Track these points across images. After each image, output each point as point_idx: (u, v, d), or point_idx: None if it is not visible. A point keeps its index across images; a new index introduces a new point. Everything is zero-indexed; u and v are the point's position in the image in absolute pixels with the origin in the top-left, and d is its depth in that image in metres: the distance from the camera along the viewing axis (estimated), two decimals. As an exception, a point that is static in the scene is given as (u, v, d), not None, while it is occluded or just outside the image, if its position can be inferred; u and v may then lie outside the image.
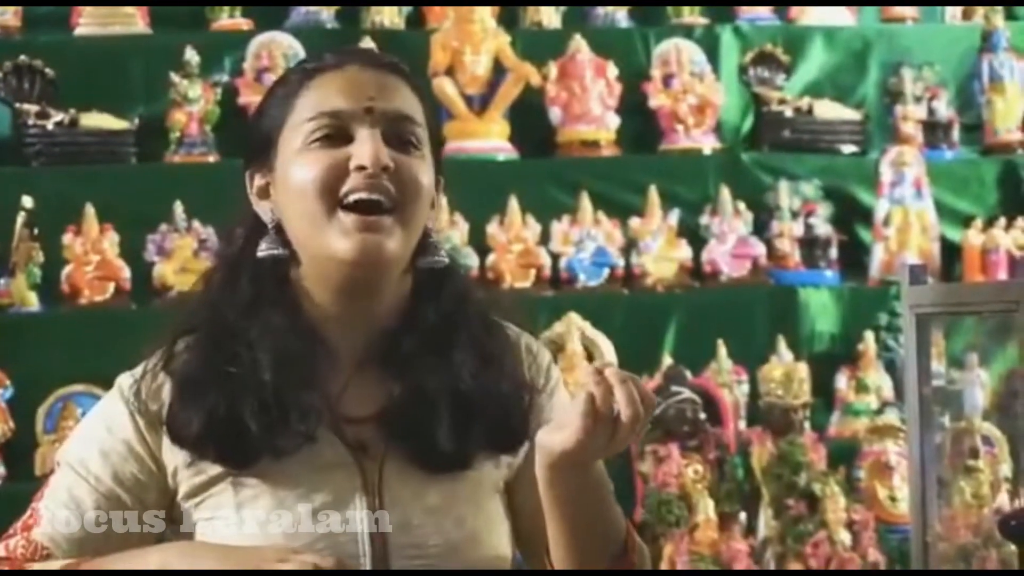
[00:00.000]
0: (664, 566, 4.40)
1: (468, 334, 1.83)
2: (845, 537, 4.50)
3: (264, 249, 1.81)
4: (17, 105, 5.23)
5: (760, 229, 5.29)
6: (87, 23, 5.53)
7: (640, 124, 5.53)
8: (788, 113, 5.59)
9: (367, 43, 5.15)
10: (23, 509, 1.82)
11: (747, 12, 5.85)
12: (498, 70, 5.44)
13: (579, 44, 5.47)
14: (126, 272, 4.91)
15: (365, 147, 1.75)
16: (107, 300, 4.89)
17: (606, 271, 5.16)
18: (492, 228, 5.10)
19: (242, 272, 1.82)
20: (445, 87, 5.29)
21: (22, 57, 5.29)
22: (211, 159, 5.23)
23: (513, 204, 5.13)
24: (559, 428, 1.70)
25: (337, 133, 1.77)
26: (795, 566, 4.46)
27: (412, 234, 1.78)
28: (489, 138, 5.36)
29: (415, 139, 1.80)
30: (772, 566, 4.50)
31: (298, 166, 1.77)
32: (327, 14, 5.65)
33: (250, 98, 5.24)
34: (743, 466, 4.63)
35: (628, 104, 5.49)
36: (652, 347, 4.94)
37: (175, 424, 1.77)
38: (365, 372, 1.81)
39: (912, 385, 2.75)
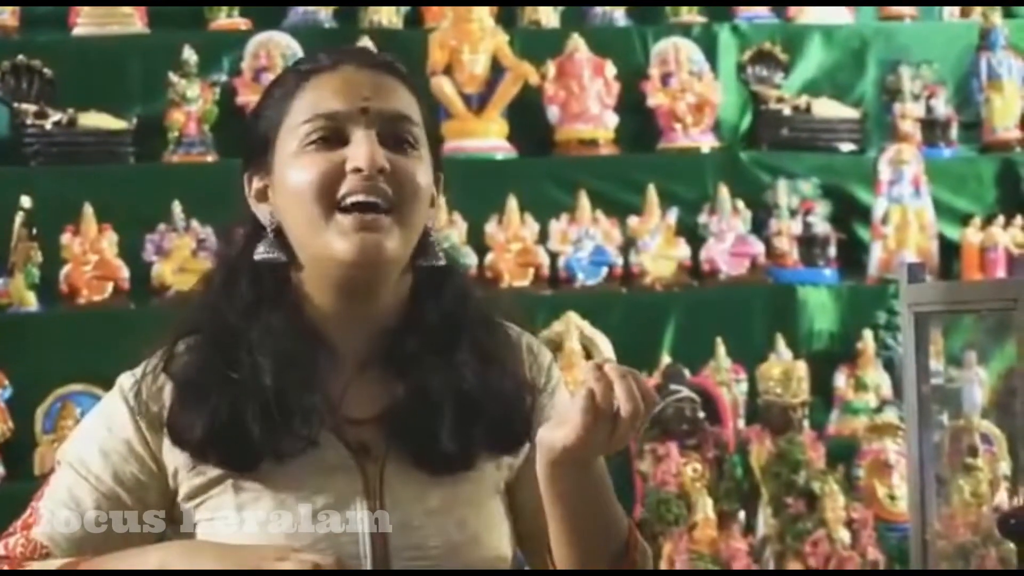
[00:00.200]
0: (663, 565, 4.40)
1: (469, 334, 1.83)
2: (844, 535, 4.50)
3: (262, 253, 1.80)
4: (15, 105, 5.23)
5: (759, 228, 5.29)
6: (85, 23, 5.53)
7: (638, 123, 5.53)
8: (786, 111, 5.59)
9: (365, 42, 5.15)
10: (22, 509, 1.81)
11: (745, 11, 5.85)
12: (496, 69, 5.44)
13: (577, 43, 5.47)
14: (124, 272, 4.91)
15: (361, 149, 1.75)
16: (106, 300, 4.89)
17: (604, 270, 5.16)
18: (490, 227, 5.11)
19: (242, 274, 1.82)
20: (443, 86, 5.29)
21: (20, 57, 5.29)
22: (209, 159, 5.23)
23: (511, 203, 5.13)
24: (560, 424, 1.70)
25: (333, 135, 1.77)
26: (794, 565, 4.46)
27: (411, 233, 1.78)
28: (487, 137, 5.36)
29: (411, 138, 1.79)
30: (771, 565, 4.50)
31: (295, 169, 1.77)
32: (325, 14, 5.65)
33: (248, 98, 5.24)
34: (742, 465, 4.63)
35: (626, 103, 5.49)
36: (651, 346, 4.94)
37: (176, 427, 1.77)
38: (367, 373, 1.81)
39: (911, 383, 2.74)
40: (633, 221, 5.19)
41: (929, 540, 2.60)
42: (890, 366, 4.99)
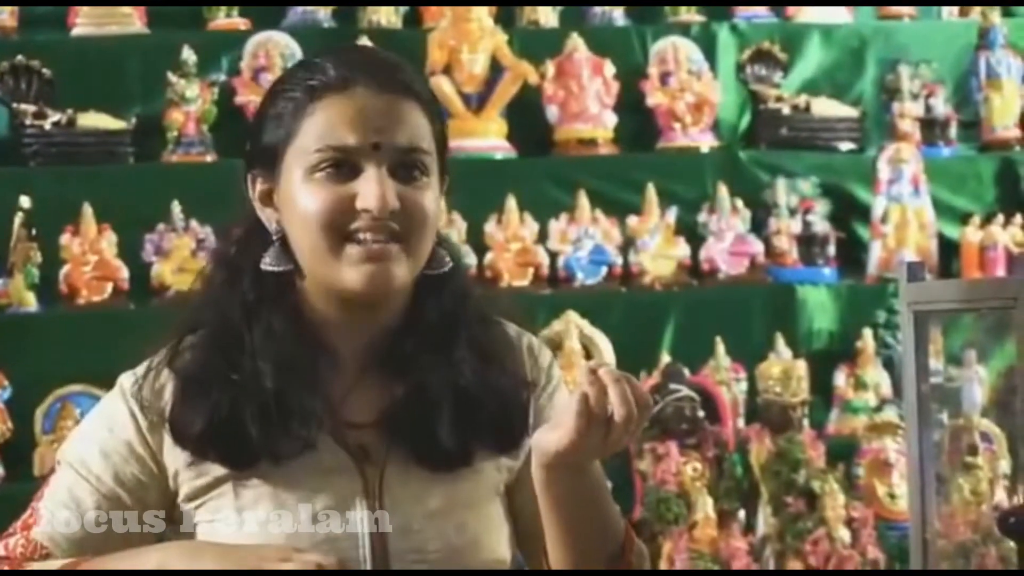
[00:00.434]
0: (663, 564, 4.40)
1: (468, 332, 1.83)
2: (844, 534, 4.50)
3: (269, 264, 1.79)
4: (14, 105, 5.23)
5: (758, 227, 5.29)
6: (84, 23, 5.53)
7: (637, 122, 5.53)
8: (785, 111, 5.59)
9: (364, 42, 5.15)
10: (22, 509, 1.81)
11: (744, 10, 5.85)
12: (495, 69, 5.44)
13: (576, 43, 5.47)
14: (124, 272, 4.91)
15: (371, 189, 1.72)
16: (105, 300, 4.89)
17: (604, 269, 5.16)
18: (490, 227, 5.11)
19: (245, 274, 1.81)
20: (442, 86, 5.28)
21: (19, 57, 5.29)
22: (208, 159, 5.23)
23: (511, 203, 5.14)
24: (554, 428, 1.70)
25: (344, 165, 1.74)
26: (794, 564, 4.46)
27: (419, 260, 1.78)
28: (487, 137, 5.36)
29: (422, 166, 1.77)
30: (771, 564, 4.50)
31: (303, 195, 1.75)
32: (324, 13, 5.65)
33: (247, 97, 5.25)
34: (742, 464, 4.63)
35: (625, 102, 5.49)
36: (650, 345, 4.94)
37: (178, 423, 1.76)
38: (368, 376, 1.81)
39: (910, 382, 2.74)
40: (632, 220, 5.20)
41: (929, 539, 2.60)
42: (890, 365, 4.99)
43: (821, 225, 5.32)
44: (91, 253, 4.88)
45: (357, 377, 1.81)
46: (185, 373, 1.78)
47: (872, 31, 5.87)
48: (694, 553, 4.43)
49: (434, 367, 1.79)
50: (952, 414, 4.54)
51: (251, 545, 1.70)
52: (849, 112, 5.67)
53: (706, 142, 5.52)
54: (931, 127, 5.65)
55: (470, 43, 5.41)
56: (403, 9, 5.71)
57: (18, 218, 4.83)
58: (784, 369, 4.86)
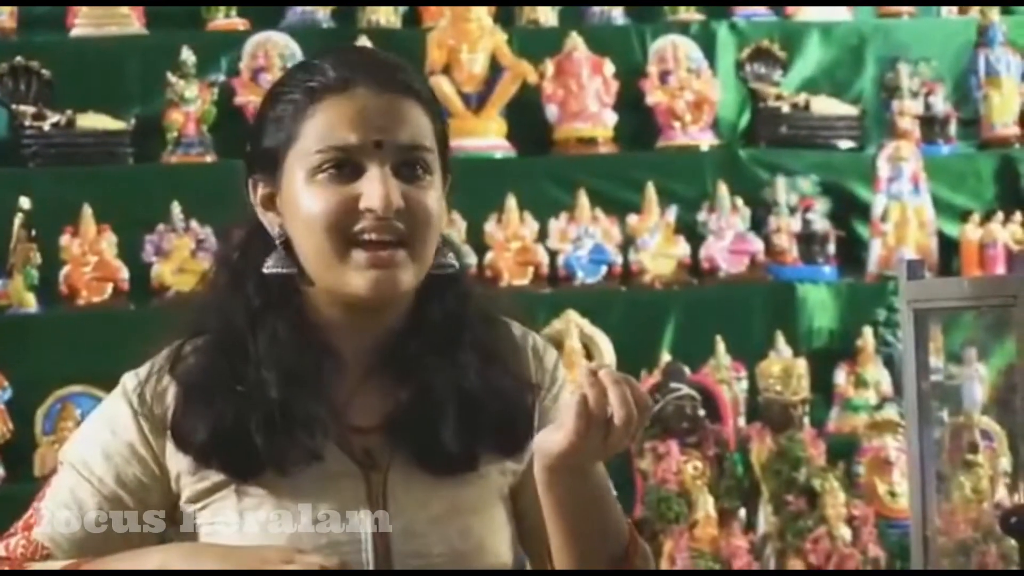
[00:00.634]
0: (664, 563, 4.40)
1: (472, 334, 1.82)
2: (845, 533, 4.50)
3: (271, 267, 1.78)
4: (13, 106, 5.23)
5: (758, 225, 5.29)
6: (83, 24, 5.53)
7: (637, 121, 5.53)
8: (785, 109, 5.59)
9: (363, 42, 5.16)
10: (22, 510, 1.81)
11: (743, 8, 5.85)
12: (495, 68, 5.44)
13: (576, 42, 5.47)
14: (124, 273, 4.91)
15: (375, 188, 1.71)
16: (105, 301, 4.89)
17: (604, 268, 5.16)
18: (490, 226, 5.11)
19: (248, 278, 1.80)
20: (442, 85, 5.28)
21: (18, 58, 5.29)
22: (208, 159, 5.22)
23: (511, 202, 5.14)
24: (555, 430, 1.69)
25: (346, 166, 1.73)
26: (795, 562, 4.46)
27: (425, 263, 1.76)
28: (486, 136, 5.36)
29: (425, 164, 1.76)
30: (772, 562, 4.50)
31: (306, 198, 1.74)
32: (323, 13, 5.65)
33: (247, 97, 5.25)
34: (742, 462, 4.63)
35: (625, 101, 5.49)
36: (651, 344, 4.94)
37: (180, 430, 1.76)
38: (372, 379, 1.80)
39: (911, 380, 2.74)
40: (632, 219, 5.19)
41: (930, 536, 2.60)
42: (890, 363, 4.99)
43: (821, 223, 5.32)
44: (91, 254, 4.89)
45: (361, 380, 1.80)
46: (188, 380, 1.77)
47: (871, 29, 5.87)
48: (695, 552, 4.43)
49: (438, 370, 1.78)
50: (952, 412, 4.54)
51: (253, 546, 1.70)
52: (849, 110, 5.67)
53: (706, 141, 5.52)
54: (931, 125, 5.65)
55: (469, 42, 5.41)
56: (402, 9, 5.71)
57: (18, 219, 4.83)
58: (784, 367, 4.86)
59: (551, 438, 1.69)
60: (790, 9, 5.90)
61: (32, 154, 5.17)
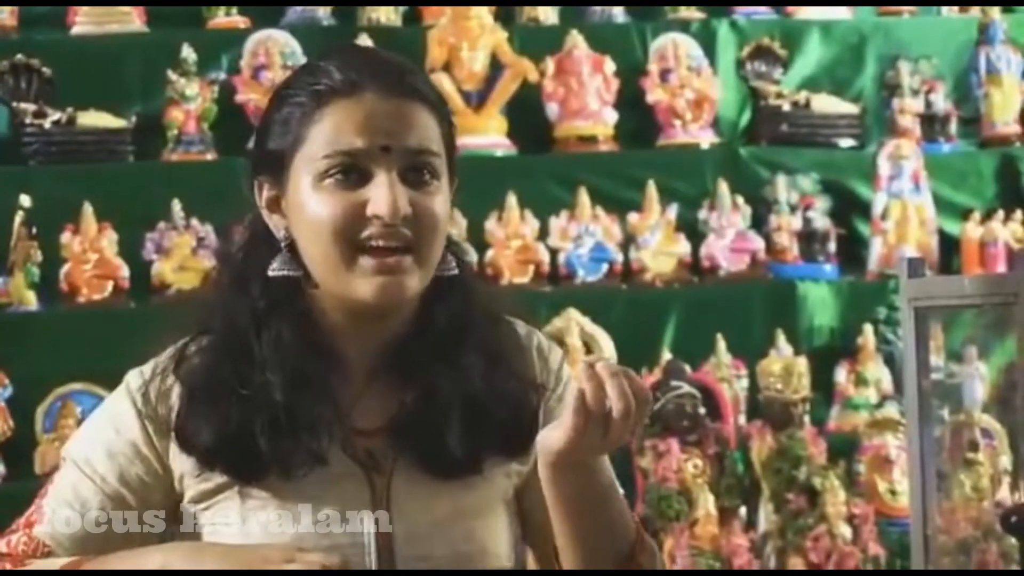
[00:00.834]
0: (664, 561, 4.40)
1: (476, 335, 1.81)
2: (845, 531, 4.50)
3: (277, 270, 1.77)
4: (14, 104, 5.23)
5: (758, 223, 5.29)
6: (84, 22, 5.52)
7: (638, 119, 5.52)
8: (786, 107, 5.58)
9: (364, 40, 5.16)
10: (23, 508, 1.81)
11: (744, 6, 5.84)
12: (495, 66, 5.44)
13: (576, 40, 5.47)
14: (124, 270, 4.91)
15: (382, 194, 1.70)
16: (106, 298, 4.89)
17: (605, 266, 5.16)
18: (490, 224, 5.11)
19: (253, 279, 1.79)
20: (442, 83, 5.28)
21: (19, 56, 5.29)
22: (209, 157, 5.22)
23: (511, 200, 5.14)
24: (555, 427, 1.69)
25: (353, 171, 1.72)
26: (795, 560, 4.46)
27: (431, 269, 1.76)
28: (487, 134, 5.36)
29: (432, 169, 1.75)
30: (772, 560, 4.50)
31: (313, 203, 1.73)
32: (324, 11, 5.64)
33: (247, 95, 5.25)
34: (743, 460, 4.63)
35: (625, 99, 5.49)
36: (651, 342, 4.94)
37: (184, 432, 1.75)
38: (376, 381, 1.79)
39: (911, 378, 2.75)
40: (633, 217, 5.19)
41: (930, 535, 2.61)
42: (890, 361, 4.99)
43: (821, 221, 5.32)
44: (91, 251, 4.88)
45: (365, 382, 1.79)
46: (192, 381, 1.77)
47: (872, 27, 5.87)
48: (695, 550, 4.43)
49: (442, 373, 1.78)
50: (953, 410, 4.54)
51: (254, 545, 1.70)
52: (849, 108, 5.67)
53: (706, 139, 5.52)
54: (931, 123, 5.65)
55: (470, 40, 5.41)
56: (403, 7, 5.70)
57: (18, 217, 4.83)
58: (785, 366, 4.86)
59: (552, 435, 1.69)
60: (791, 7, 5.89)
61: (33, 152, 5.17)
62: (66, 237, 4.88)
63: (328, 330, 1.78)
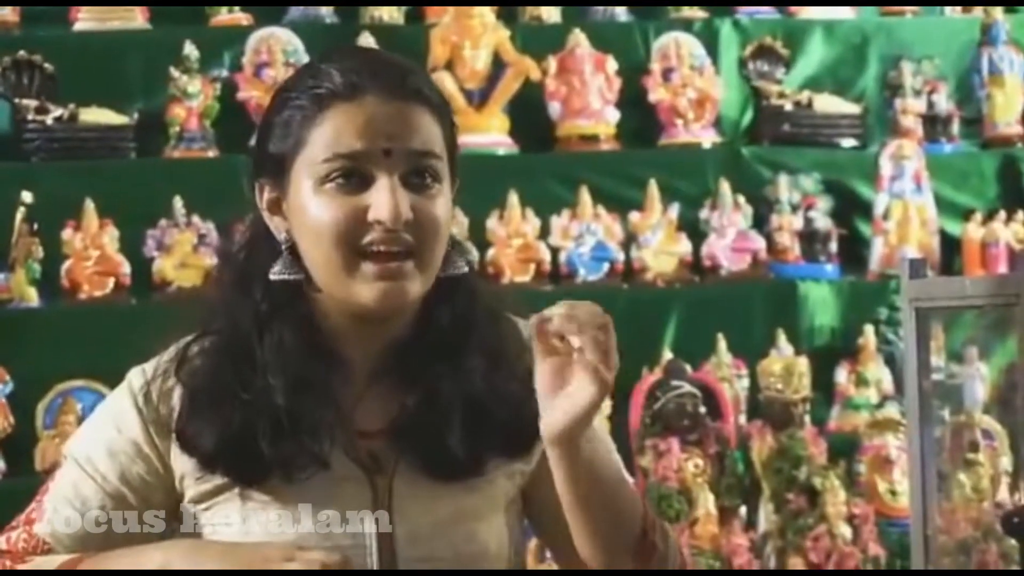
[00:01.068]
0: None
1: (479, 335, 1.81)
2: (845, 531, 4.50)
3: (278, 273, 1.77)
4: (16, 100, 5.23)
5: (760, 223, 5.29)
6: (86, 18, 5.53)
7: (640, 118, 5.52)
8: (788, 107, 5.58)
9: (366, 38, 5.16)
10: (23, 505, 1.81)
11: (746, 6, 5.84)
12: (497, 65, 5.44)
13: (578, 38, 5.47)
14: (126, 267, 4.91)
15: (384, 199, 1.70)
16: (107, 295, 4.89)
17: (606, 265, 5.16)
18: (492, 223, 5.11)
19: (255, 281, 1.79)
20: (444, 82, 5.28)
21: (21, 52, 5.29)
22: (210, 154, 5.22)
23: (513, 198, 5.13)
24: (550, 410, 1.67)
25: (354, 175, 1.71)
26: (795, 560, 4.46)
27: (432, 273, 1.75)
28: (489, 132, 5.36)
29: (434, 173, 1.74)
30: (772, 560, 4.50)
31: (315, 207, 1.72)
32: (326, 9, 5.64)
33: (249, 93, 5.25)
34: (743, 460, 4.63)
35: (628, 98, 5.49)
36: (652, 341, 4.94)
37: (185, 434, 1.75)
38: (378, 383, 1.79)
39: (912, 379, 2.75)
40: (634, 217, 5.19)
41: (930, 535, 2.61)
42: (891, 362, 4.99)
43: (823, 221, 5.32)
44: (93, 248, 4.89)
45: (367, 385, 1.79)
46: (193, 383, 1.77)
47: (875, 27, 5.87)
48: (695, 550, 4.43)
49: (445, 374, 1.78)
50: (953, 411, 4.54)
51: (255, 544, 1.69)
52: (851, 108, 5.67)
53: (708, 138, 5.51)
54: (933, 123, 5.65)
55: (472, 39, 5.41)
56: (405, 6, 5.70)
57: (20, 213, 4.83)
58: (785, 365, 4.86)
59: (550, 416, 1.67)
60: (793, 7, 5.89)
61: (34, 148, 5.17)
62: (67, 233, 4.89)
63: (330, 333, 1.78)
